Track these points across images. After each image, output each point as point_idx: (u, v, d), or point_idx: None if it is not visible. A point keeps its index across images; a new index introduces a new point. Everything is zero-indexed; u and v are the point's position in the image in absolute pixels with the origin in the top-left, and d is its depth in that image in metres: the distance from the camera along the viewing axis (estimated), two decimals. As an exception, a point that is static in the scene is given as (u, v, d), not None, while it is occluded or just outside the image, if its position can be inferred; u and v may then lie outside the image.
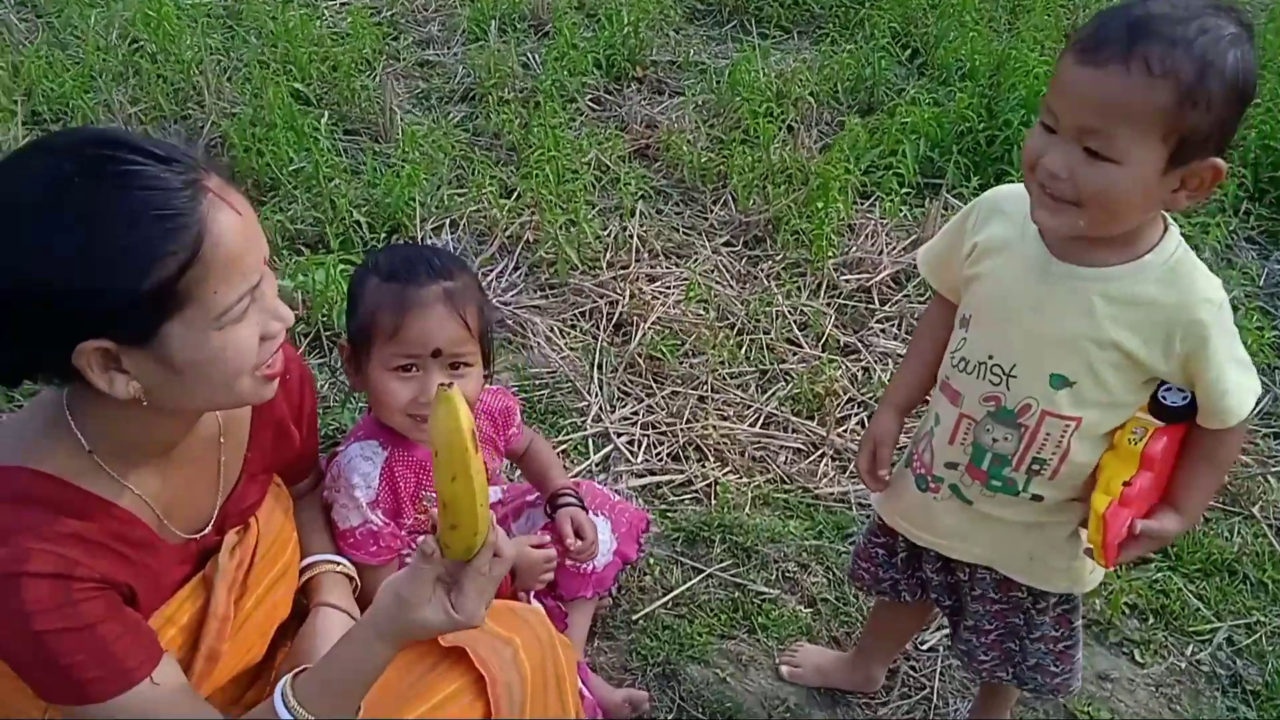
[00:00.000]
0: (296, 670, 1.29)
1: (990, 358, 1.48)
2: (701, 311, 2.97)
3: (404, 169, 3.20)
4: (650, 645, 2.11)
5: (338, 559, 1.66)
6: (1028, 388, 1.45)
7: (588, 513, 1.96)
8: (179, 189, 1.11)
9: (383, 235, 3.07)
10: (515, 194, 3.31)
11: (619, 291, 3.02)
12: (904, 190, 3.44)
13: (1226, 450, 1.48)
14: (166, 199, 1.09)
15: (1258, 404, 1.57)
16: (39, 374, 1.18)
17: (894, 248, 3.26)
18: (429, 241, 3.08)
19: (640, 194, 3.44)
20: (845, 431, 2.69)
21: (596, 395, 2.70)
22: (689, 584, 2.23)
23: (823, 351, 2.92)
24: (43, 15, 3.89)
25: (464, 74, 3.99)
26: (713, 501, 2.46)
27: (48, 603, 1.15)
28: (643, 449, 2.58)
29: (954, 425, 1.55)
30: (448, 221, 3.17)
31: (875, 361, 2.91)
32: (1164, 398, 1.44)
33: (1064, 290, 1.41)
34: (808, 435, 2.67)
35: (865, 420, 2.73)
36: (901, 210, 3.39)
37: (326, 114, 3.55)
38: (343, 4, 4.42)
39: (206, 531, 1.41)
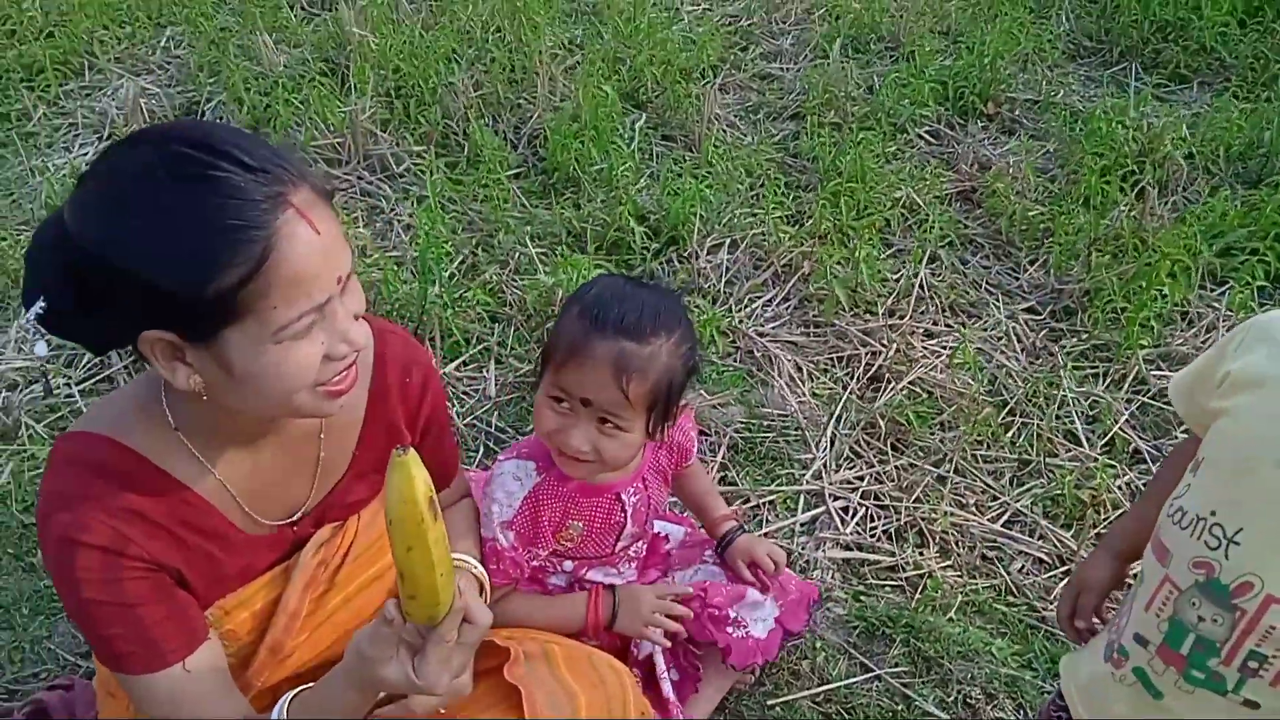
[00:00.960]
0: (300, 689, 1.28)
1: (1213, 514, 1.21)
2: (970, 381, 2.66)
3: (701, 181, 3.15)
4: (784, 739, 1.91)
5: (467, 558, 1.60)
6: (1252, 561, 1.17)
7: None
8: (257, 201, 1.09)
9: (659, 245, 3.04)
10: (803, 221, 3.15)
11: (885, 342, 2.78)
12: (1267, 283, 2.88)
13: None
14: (240, 210, 1.08)
15: None
16: (124, 348, 1.23)
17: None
18: (704, 261, 3.01)
19: (946, 240, 3.15)
20: (1105, 552, 2.29)
21: (825, 450, 2.50)
22: (849, 681, 1.99)
23: (1104, 454, 2.51)
24: (431, -1, 4.26)
25: (799, 91, 3.86)
26: (916, 595, 2.18)
27: (96, 574, 1.21)
28: (856, 519, 2.35)
29: (1155, 589, 1.28)
30: (728, 241, 3.08)
31: (1169, 478, 2.45)
32: None
33: None
34: (1055, 545, 2.31)
35: (1135, 544, 2.31)
36: (1257, 308, 2.83)
37: (644, 117, 3.58)
38: (705, 10, 4.45)
39: (298, 522, 1.43)
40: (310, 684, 1.30)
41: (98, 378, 2.51)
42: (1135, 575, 1.41)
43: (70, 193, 1.15)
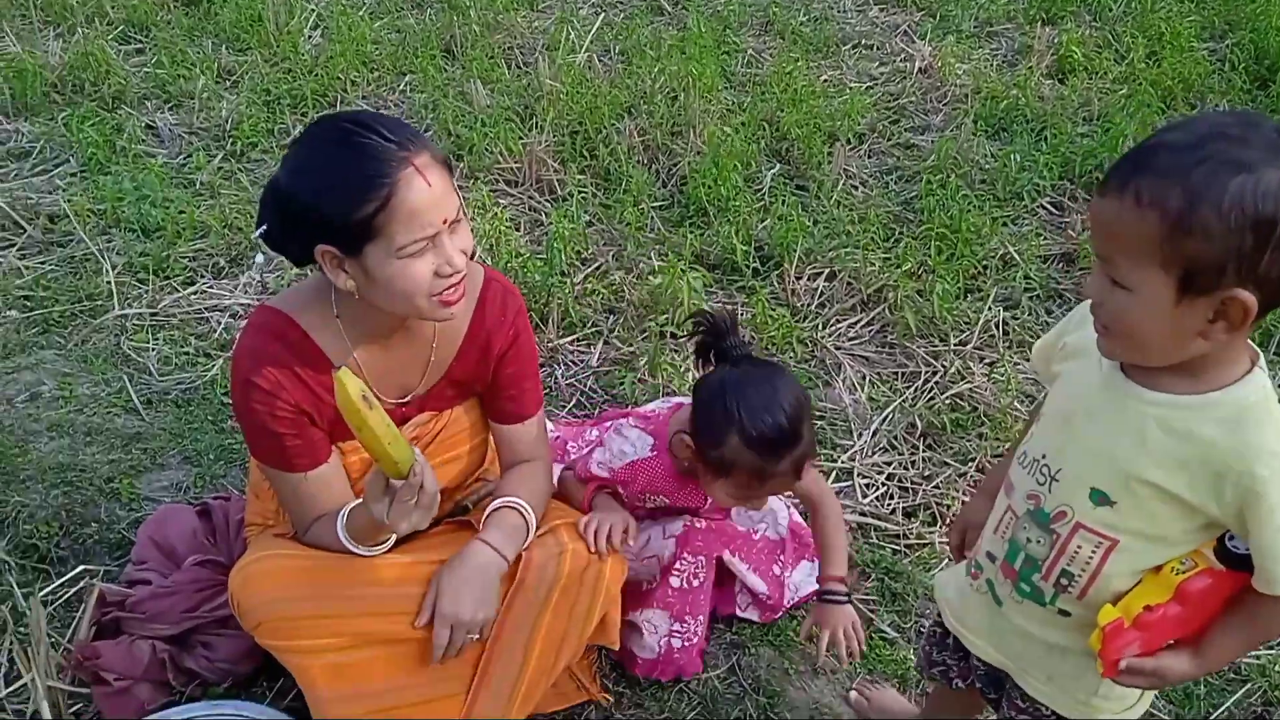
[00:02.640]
0: (354, 504, 1.82)
1: (1043, 456, 1.47)
2: (1015, 403, 2.95)
3: (811, 218, 3.61)
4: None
5: (519, 502, 1.95)
6: (1066, 495, 1.42)
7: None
8: (388, 160, 1.62)
9: (764, 268, 3.51)
10: (900, 262, 3.53)
11: (946, 364, 3.12)
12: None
13: (1271, 618, 1.37)
14: (378, 165, 1.61)
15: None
16: (309, 262, 1.77)
17: None
18: (803, 285, 3.44)
19: (1033, 291, 3.45)
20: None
21: (865, 440, 2.86)
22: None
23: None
24: (621, 57, 4.95)
25: (904, 159, 4.25)
26: (909, 556, 2.51)
27: (260, 405, 1.79)
28: (875, 494, 2.70)
29: (1001, 515, 1.54)
30: (827, 271, 3.51)
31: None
32: (1230, 541, 1.35)
33: (1122, 407, 1.37)
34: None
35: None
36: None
37: (779, 168, 4.08)
38: (868, 86, 4.90)
39: (408, 403, 1.96)
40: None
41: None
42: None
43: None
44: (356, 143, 1.63)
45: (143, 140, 4.19)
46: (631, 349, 3.18)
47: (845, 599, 2.01)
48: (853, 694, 2.14)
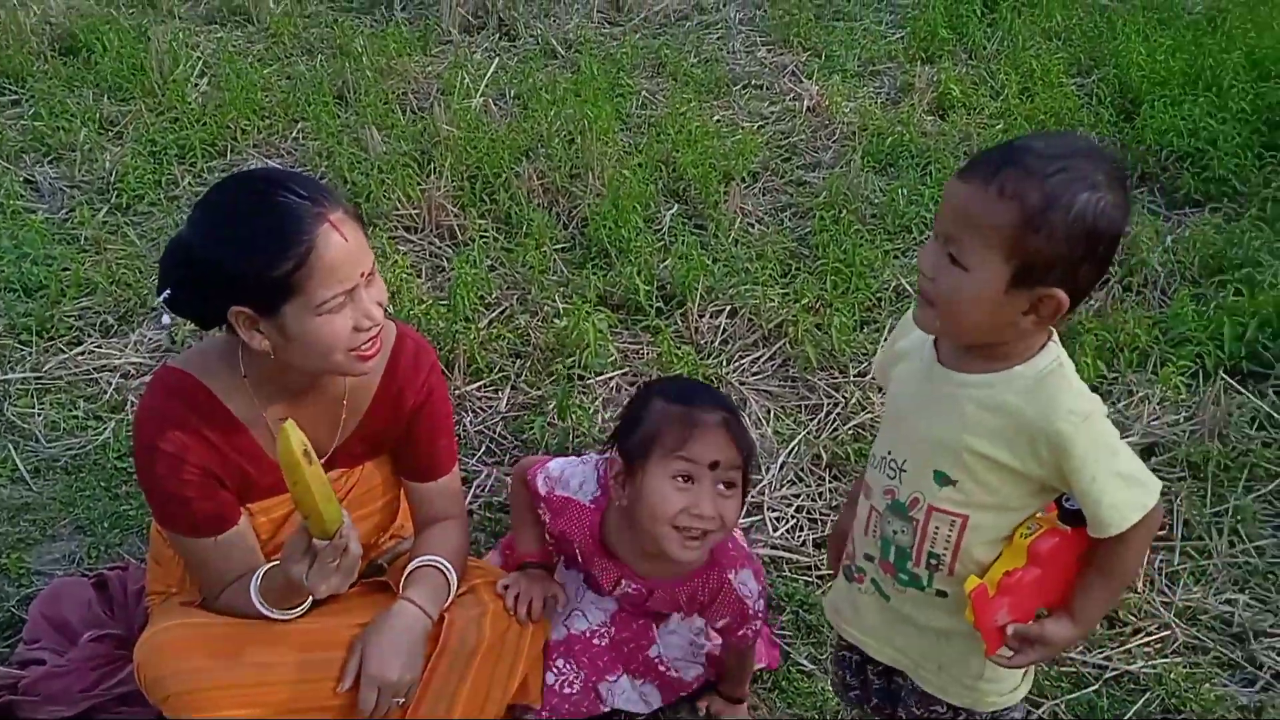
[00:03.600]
0: (270, 565, 1.80)
1: (889, 453, 1.59)
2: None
3: (710, 257, 3.67)
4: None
5: (440, 560, 1.95)
6: (915, 483, 1.54)
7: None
8: (305, 217, 1.63)
9: (667, 307, 3.55)
10: (799, 297, 3.61)
11: (846, 395, 3.20)
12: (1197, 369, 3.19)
13: (1119, 561, 1.49)
14: (297, 223, 1.63)
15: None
16: (219, 324, 1.76)
17: (1155, 419, 3.04)
18: (705, 322, 3.50)
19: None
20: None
21: (773, 474, 2.91)
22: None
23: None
24: (517, 101, 4.96)
25: (827, 194, 4.36)
26: (821, 587, 2.55)
27: (164, 469, 1.75)
28: (786, 526, 2.75)
29: (866, 516, 1.64)
30: (728, 308, 3.57)
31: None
32: (1066, 502, 1.48)
33: (942, 394, 1.51)
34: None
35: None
36: (1183, 386, 3.13)
37: (678, 208, 4.15)
38: (760, 126, 5.00)
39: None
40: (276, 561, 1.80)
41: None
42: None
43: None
44: (271, 201, 1.64)
45: (21, 195, 4.05)
46: (540, 393, 3.17)
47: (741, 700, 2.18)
48: None
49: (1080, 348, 3.15)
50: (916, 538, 1.55)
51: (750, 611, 2.03)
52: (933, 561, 1.55)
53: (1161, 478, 1.55)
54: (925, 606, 1.59)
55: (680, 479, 1.83)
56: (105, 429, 2.91)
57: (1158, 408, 3.09)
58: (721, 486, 1.86)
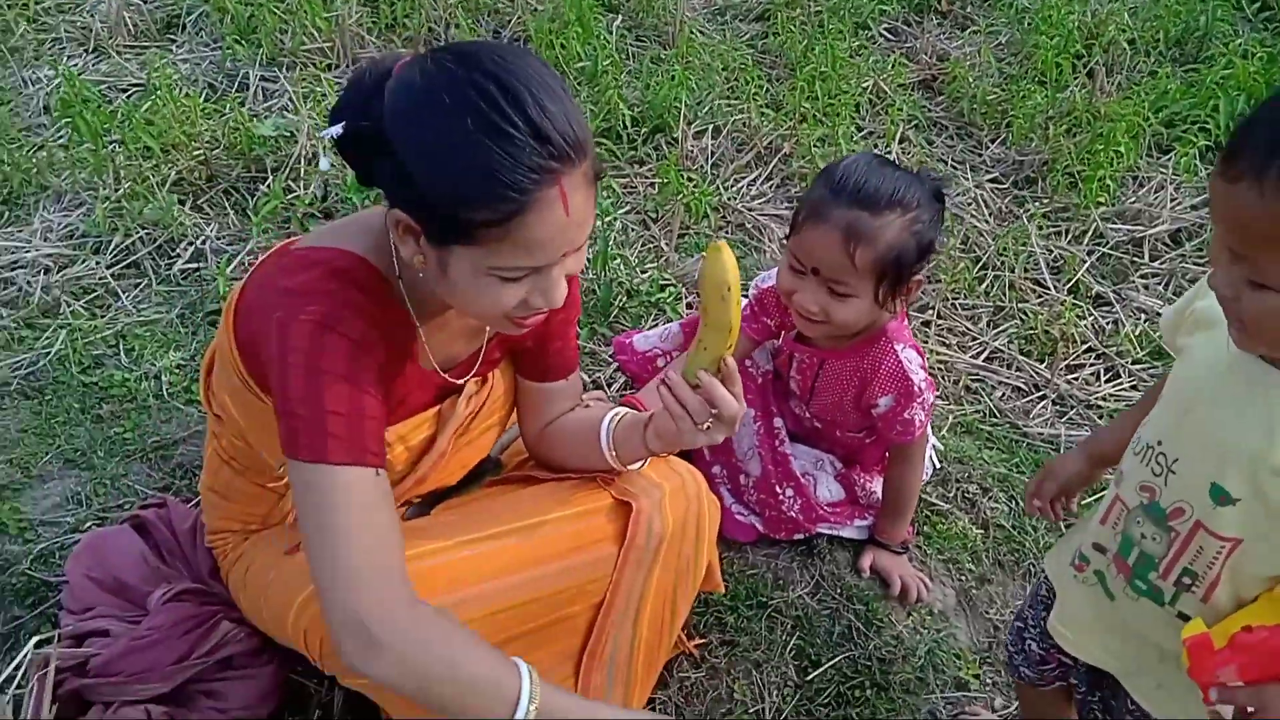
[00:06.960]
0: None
1: (1159, 443, 1.27)
2: (945, 239, 2.88)
3: (678, 74, 3.31)
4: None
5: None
6: (1184, 490, 1.22)
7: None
8: (529, 168, 1.17)
9: (646, 131, 3.21)
10: (781, 108, 3.34)
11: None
12: (1208, 146, 3.14)
13: None
14: (513, 171, 1.17)
15: None
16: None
17: (1180, 204, 2.99)
18: (690, 145, 3.18)
19: (913, 122, 3.37)
20: (1075, 379, 2.55)
21: (818, 304, 2.71)
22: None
23: (1069, 295, 2.76)
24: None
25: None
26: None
27: (345, 367, 1.30)
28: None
29: (1109, 506, 1.35)
30: (711, 128, 3.26)
31: (1128, 316, 2.71)
32: None
33: (1249, 392, 1.16)
34: (1031, 376, 2.55)
35: (1101, 372, 2.58)
36: (1202, 168, 3.09)
37: (620, 18, 3.73)
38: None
39: (451, 370, 1.57)
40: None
41: (123, 264, 2.63)
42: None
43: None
44: (499, 130, 1.17)
45: None
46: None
47: (903, 551, 2.07)
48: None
49: (1110, 138, 3.02)
50: (1171, 551, 1.24)
51: (914, 388, 1.89)
52: (1185, 580, 1.24)
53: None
54: (1159, 624, 1.29)
55: (794, 261, 1.78)
56: (55, 339, 2.37)
57: (1182, 191, 3.04)
58: (829, 288, 1.75)
